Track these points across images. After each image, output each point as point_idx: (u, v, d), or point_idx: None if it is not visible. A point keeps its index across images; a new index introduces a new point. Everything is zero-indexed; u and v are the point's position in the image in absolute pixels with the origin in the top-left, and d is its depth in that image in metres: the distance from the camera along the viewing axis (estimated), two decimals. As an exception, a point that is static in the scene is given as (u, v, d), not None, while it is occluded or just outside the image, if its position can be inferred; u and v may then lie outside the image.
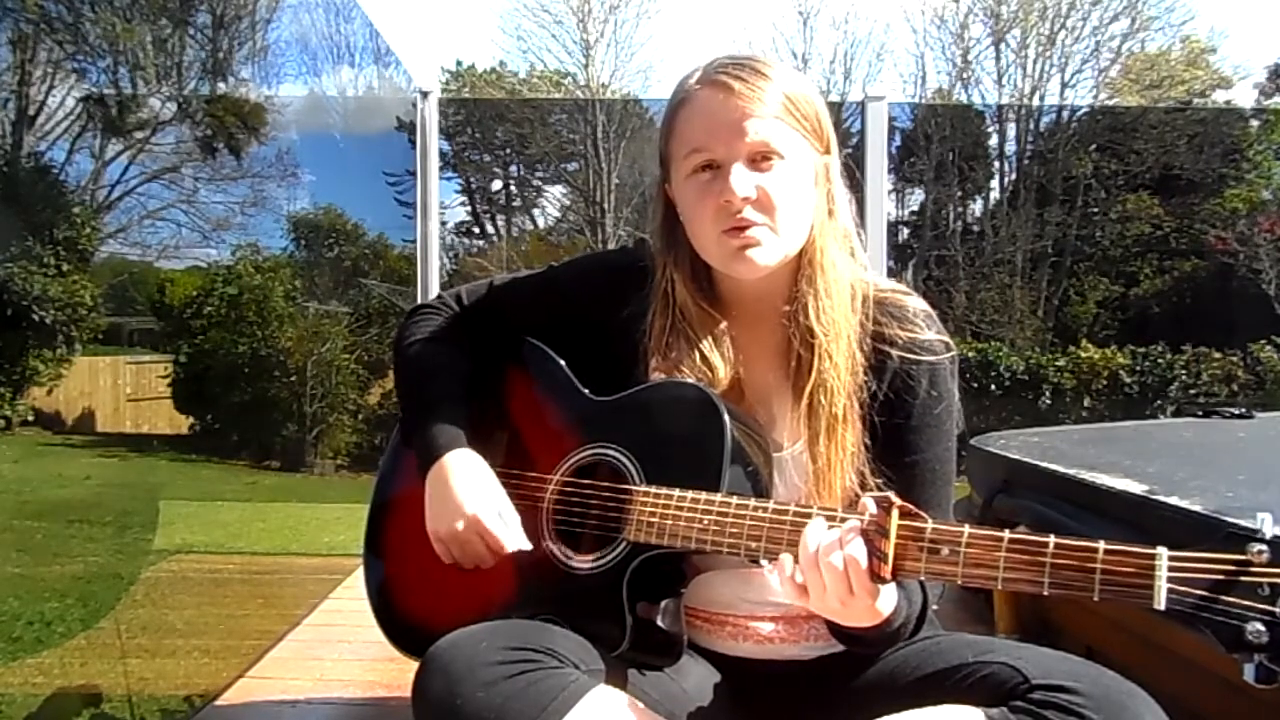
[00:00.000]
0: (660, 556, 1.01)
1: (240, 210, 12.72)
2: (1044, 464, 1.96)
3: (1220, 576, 0.73)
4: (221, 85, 12.32)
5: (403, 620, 1.22)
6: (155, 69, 11.62)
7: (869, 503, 0.88)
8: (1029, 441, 2.33)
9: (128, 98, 11.79)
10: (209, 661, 3.23)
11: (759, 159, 1.02)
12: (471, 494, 1.09)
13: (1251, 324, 11.56)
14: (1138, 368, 11.36)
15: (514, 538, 1.08)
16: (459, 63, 16.97)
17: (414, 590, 1.23)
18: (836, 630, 1.00)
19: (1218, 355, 11.39)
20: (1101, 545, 0.77)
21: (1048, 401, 11.22)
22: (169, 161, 12.46)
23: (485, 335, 1.25)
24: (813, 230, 1.07)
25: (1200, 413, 2.91)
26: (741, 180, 1.00)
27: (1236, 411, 2.71)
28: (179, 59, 11.89)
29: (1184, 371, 11.30)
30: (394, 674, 1.90)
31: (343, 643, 2.14)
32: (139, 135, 12.17)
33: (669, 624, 1.03)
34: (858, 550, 0.86)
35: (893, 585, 0.90)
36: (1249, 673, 0.73)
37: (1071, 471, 1.82)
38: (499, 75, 16.64)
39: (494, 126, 16.05)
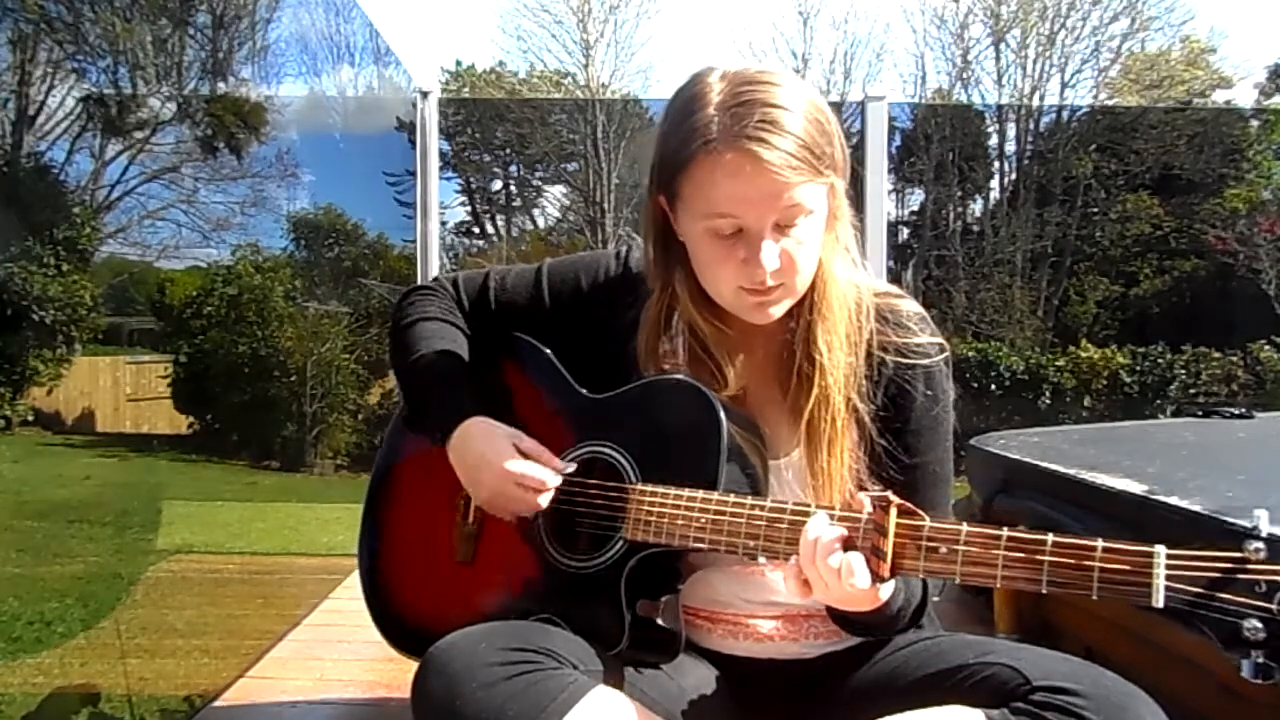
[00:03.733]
0: (658, 555, 1.01)
1: (240, 210, 12.69)
2: (1044, 464, 1.95)
3: (1217, 574, 0.73)
4: (221, 85, 12.31)
5: (401, 621, 1.22)
6: (155, 69, 11.61)
7: (866, 501, 0.88)
8: (1029, 441, 2.33)
9: (128, 98, 11.77)
10: (209, 661, 3.24)
11: (785, 224, 0.99)
12: (493, 451, 1.08)
13: (1251, 324, 11.56)
14: (1138, 368, 11.36)
15: (549, 474, 1.07)
16: (459, 63, 16.97)
17: (412, 591, 1.23)
18: (834, 614, 1.01)
19: (1218, 355, 11.39)
20: (1099, 544, 0.78)
21: (1048, 401, 11.22)
22: (169, 161, 12.43)
23: (478, 325, 1.24)
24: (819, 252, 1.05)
25: (1200, 413, 2.91)
26: (770, 254, 0.98)
27: (1236, 411, 2.71)
28: (179, 59, 11.88)
29: (1184, 371, 11.30)
30: (394, 674, 1.90)
31: (343, 643, 2.14)
32: (139, 135, 12.15)
33: (667, 622, 1.03)
34: (860, 576, 0.86)
35: None
36: (1247, 669, 0.73)
37: (1071, 471, 1.82)
38: (499, 75, 16.63)
39: (494, 126, 16.02)
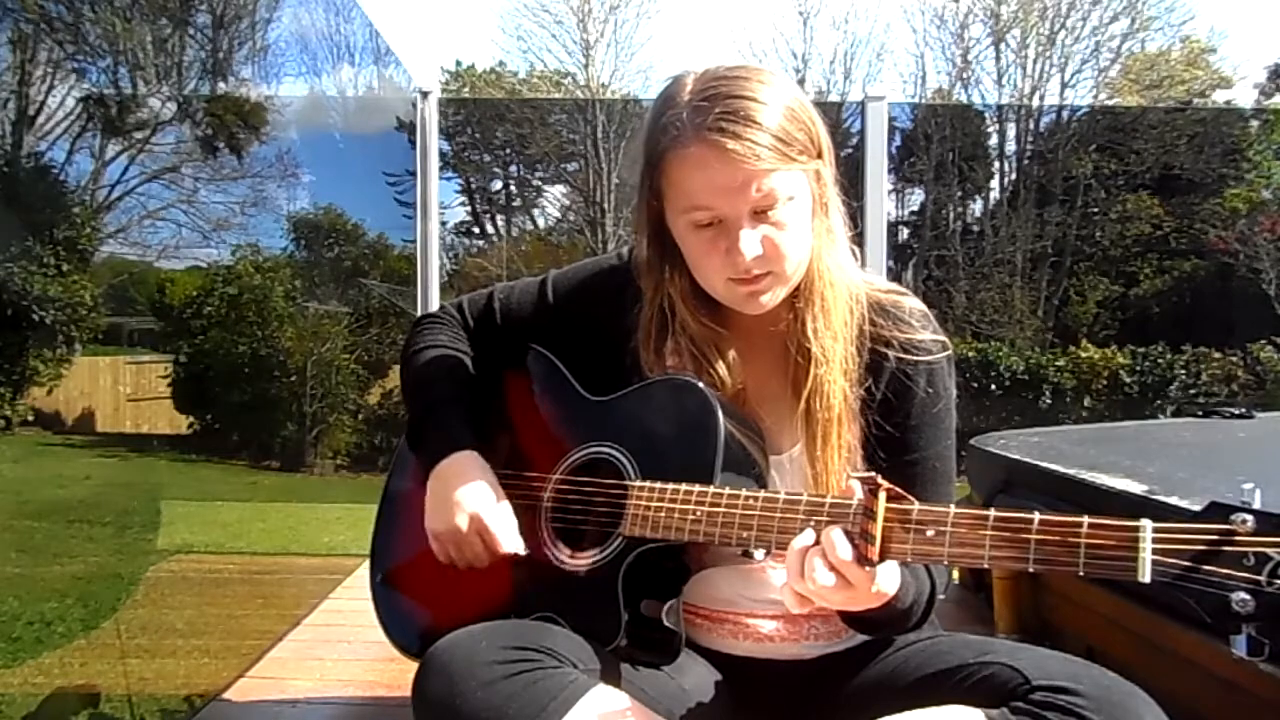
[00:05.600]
0: (659, 552, 1.01)
1: (240, 210, 12.69)
2: (1044, 464, 1.96)
3: (1205, 547, 0.73)
4: (221, 85, 12.32)
5: (403, 621, 1.23)
6: (155, 69, 11.61)
7: (855, 485, 0.88)
8: (1029, 441, 2.33)
9: (128, 98, 11.78)
10: (209, 661, 3.23)
11: (763, 210, 0.99)
12: (471, 494, 1.10)
13: (1251, 324, 11.57)
14: (1138, 368, 11.37)
15: (511, 539, 1.09)
16: (459, 63, 17.01)
17: (415, 591, 1.23)
18: (846, 615, 1.01)
19: (1218, 355, 11.40)
20: (1085, 520, 0.78)
21: (1048, 401, 11.23)
22: (169, 161, 12.43)
23: (486, 343, 1.26)
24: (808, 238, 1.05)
25: (1200, 413, 2.92)
26: (749, 242, 0.98)
27: (1236, 411, 2.72)
28: (179, 59, 11.88)
29: (1184, 371, 11.31)
30: (394, 674, 1.90)
31: (343, 643, 2.14)
32: (139, 135, 12.15)
33: (669, 622, 1.03)
34: (842, 548, 0.86)
35: (894, 565, 0.90)
36: (1239, 644, 0.73)
37: (1071, 471, 1.82)
38: (499, 75, 16.65)
39: (494, 126, 16.03)
